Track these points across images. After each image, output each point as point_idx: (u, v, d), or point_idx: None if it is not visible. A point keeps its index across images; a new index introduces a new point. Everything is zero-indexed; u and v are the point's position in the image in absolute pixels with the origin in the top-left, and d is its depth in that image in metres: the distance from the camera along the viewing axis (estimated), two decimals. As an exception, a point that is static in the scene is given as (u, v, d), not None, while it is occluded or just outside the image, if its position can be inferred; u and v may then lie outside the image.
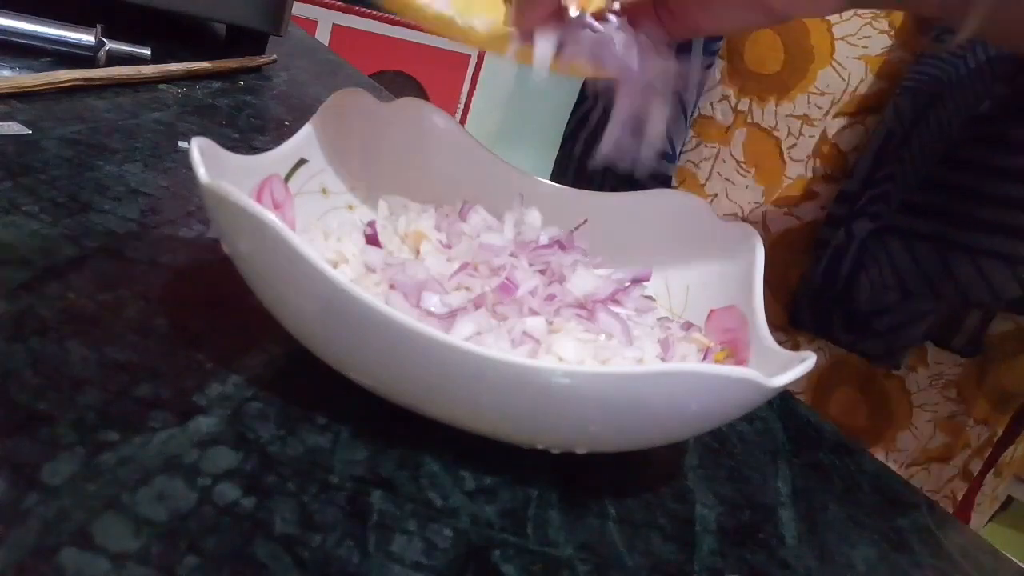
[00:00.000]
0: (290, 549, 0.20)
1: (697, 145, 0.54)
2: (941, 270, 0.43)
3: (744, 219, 0.52)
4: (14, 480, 0.19)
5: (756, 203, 0.51)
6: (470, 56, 2.29)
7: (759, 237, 0.33)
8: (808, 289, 0.48)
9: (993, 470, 0.53)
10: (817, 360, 0.52)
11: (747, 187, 0.51)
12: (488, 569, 0.21)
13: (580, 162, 0.64)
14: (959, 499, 0.53)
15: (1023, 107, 0.42)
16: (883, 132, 0.45)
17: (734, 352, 0.32)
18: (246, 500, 0.21)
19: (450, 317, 0.27)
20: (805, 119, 0.49)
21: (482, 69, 2.34)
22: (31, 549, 0.17)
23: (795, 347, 0.51)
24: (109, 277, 0.28)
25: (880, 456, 0.51)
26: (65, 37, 0.50)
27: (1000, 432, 0.52)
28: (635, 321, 0.31)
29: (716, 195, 0.53)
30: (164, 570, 0.18)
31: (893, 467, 0.50)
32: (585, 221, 0.38)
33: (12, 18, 0.48)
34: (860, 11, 0.46)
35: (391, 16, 2.01)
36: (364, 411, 0.26)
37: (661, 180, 0.53)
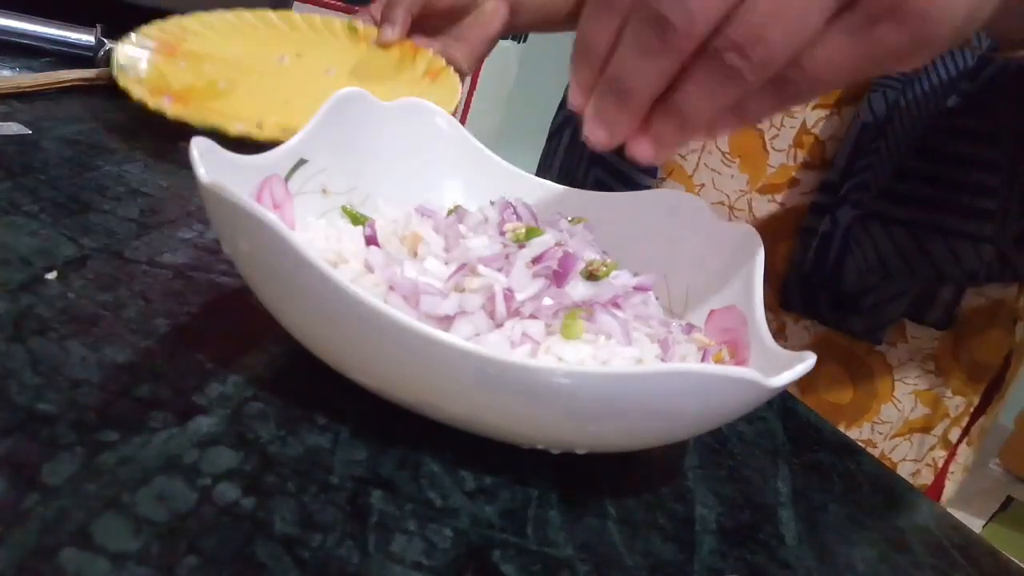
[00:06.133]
0: (290, 549, 0.20)
1: None
2: (917, 251, 0.47)
3: (730, 206, 0.54)
4: (14, 480, 0.19)
5: (741, 191, 0.53)
6: (470, 56, 2.28)
7: (759, 237, 0.33)
8: (797, 274, 0.51)
9: (966, 439, 0.56)
10: (802, 339, 0.54)
11: (732, 176, 0.54)
12: (488, 569, 0.21)
13: (565, 156, 0.65)
14: (940, 467, 0.56)
15: (984, 102, 0.45)
16: (858, 125, 0.48)
17: (734, 352, 0.32)
18: (246, 500, 0.21)
19: (449, 318, 0.27)
20: (786, 111, 0.51)
21: (482, 69, 2.33)
22: (31, 549, 0.17)
23: (781, 327, 0.54)
24: (109, 277, 0.28)
25: (866, 429, 0.54)
26: (65, 37, 0.50)
27: (976, 402, 0.55)
28: (634, 325, 0.31)
29: (703, 185, 0.55)
30: (164, 570, 0.18)
31: (878, 439, 0.54)
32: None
33: (12, 18, 0.48)
34: None
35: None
36: (364, 411, 0.26)
37: (645, 169, 0.54)
